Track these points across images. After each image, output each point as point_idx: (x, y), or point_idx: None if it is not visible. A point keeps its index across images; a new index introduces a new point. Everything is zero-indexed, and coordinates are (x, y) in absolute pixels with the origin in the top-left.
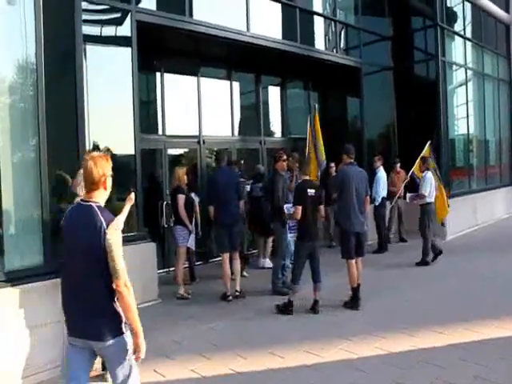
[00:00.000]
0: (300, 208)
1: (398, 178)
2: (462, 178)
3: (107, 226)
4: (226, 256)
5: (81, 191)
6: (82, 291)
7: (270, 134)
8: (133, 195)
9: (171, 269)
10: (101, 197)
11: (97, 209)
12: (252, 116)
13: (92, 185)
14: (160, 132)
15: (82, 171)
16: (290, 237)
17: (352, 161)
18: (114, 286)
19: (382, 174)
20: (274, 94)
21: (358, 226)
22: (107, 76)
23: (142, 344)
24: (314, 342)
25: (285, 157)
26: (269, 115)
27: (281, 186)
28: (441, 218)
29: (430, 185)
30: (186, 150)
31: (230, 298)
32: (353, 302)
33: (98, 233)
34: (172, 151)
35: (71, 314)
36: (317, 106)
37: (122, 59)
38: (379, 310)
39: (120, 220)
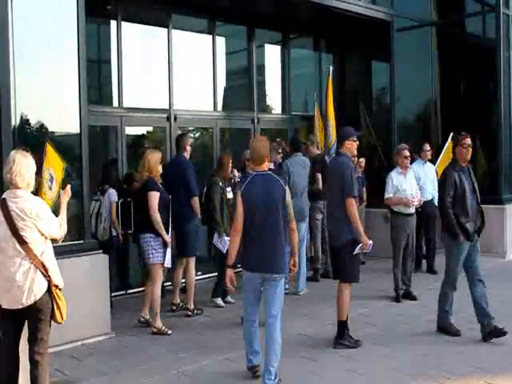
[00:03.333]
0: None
1: None
2: None
3: (285, 185)
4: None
5: (20, 181)
6: (265, 235)
7: (267, 109)
8: (69, 188)
9: (131, 290)
10: (266, 167)
11: (274, 175)
12: (242, 85)
13: (261, 159)
14: (115, 103)
15: (17, 156)
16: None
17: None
18: (290, 225)
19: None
20: (272, 55)
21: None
22: (42, 24)
23: (297, 263)
24: None
25: (468, 140)
26: (265, 84)
27: (451, 184)
28: None
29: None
30: (151, 128)
31: (174, 307)
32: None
33: (281, 190)
34: (132, 130)
35: (254, 253)
36: (332, 68)
37: (64, 1)
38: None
39: (64, 220)
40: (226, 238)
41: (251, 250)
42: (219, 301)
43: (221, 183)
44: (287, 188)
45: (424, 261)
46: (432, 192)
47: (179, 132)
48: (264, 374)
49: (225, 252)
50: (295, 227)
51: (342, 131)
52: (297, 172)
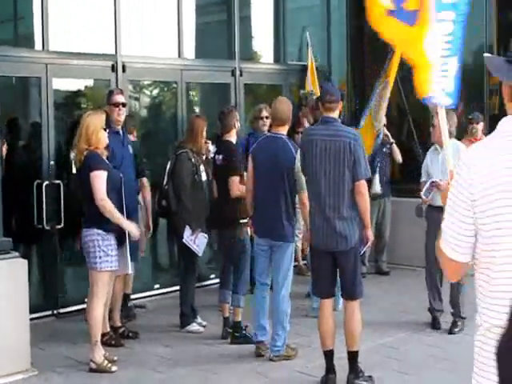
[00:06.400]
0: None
1: None
2: None
3: (296, 152)
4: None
5: None
6: (271, 201)
7: (253, 57)
8: None
9: (63, 310)
10: (285, 130)
11: (286, 139)
12: (219, 22)
13: (280, 121)
14: (38, 46)
15: None
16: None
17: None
18: (300, 196)
19: None
20: None
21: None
22: None
23: (306, 241)
24: None
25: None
26: (250, 21)
27: None
28: None
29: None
30: (90, 81)
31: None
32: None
33: (290, 156)
34: (62, 83)
35: (262, 219)
36: None
37: None
38: None
39: None
40: (202, 235)
41: (258, 214)
42: (194, 327)
43: (193, 159)
44: (298, 155)
45: None
46: None
47: (130, 87)
48: (271, 340)
49: (201, 254)
50: (305, 199)
51: (330, 87)
52: None
